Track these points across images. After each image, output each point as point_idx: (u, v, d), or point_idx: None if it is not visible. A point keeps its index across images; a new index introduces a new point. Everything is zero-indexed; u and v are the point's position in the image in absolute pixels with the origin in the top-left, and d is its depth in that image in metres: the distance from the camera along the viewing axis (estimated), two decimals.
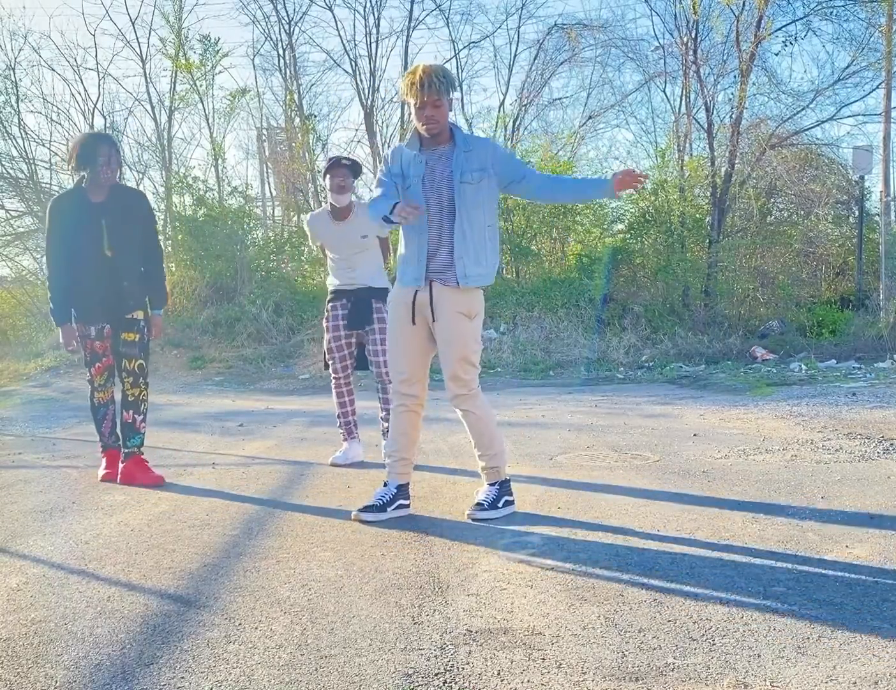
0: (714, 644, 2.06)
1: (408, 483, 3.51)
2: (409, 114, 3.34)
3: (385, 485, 3.49)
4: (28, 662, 2.06)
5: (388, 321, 3.52)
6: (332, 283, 4.83)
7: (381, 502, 3.42)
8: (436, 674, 1.93)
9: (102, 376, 4.40)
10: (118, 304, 4.29)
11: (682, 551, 2.85)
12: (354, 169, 4.78)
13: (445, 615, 2.30)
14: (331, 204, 4.77)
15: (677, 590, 2.46)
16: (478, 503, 3.41)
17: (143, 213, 4.39)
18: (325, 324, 4.84)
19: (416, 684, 1.88)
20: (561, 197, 3.64)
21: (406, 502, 3.49)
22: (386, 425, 4.61)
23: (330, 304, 4.81)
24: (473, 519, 3.34)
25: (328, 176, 4.72)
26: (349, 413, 4.88)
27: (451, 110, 3.31)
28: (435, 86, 3.16)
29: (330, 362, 4.84)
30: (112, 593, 2.57)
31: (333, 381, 4.87)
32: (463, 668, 1.96)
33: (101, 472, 4.43)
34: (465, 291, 3.32)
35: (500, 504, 3.42)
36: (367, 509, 3.40)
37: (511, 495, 3.49)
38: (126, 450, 4.36)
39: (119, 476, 4.35)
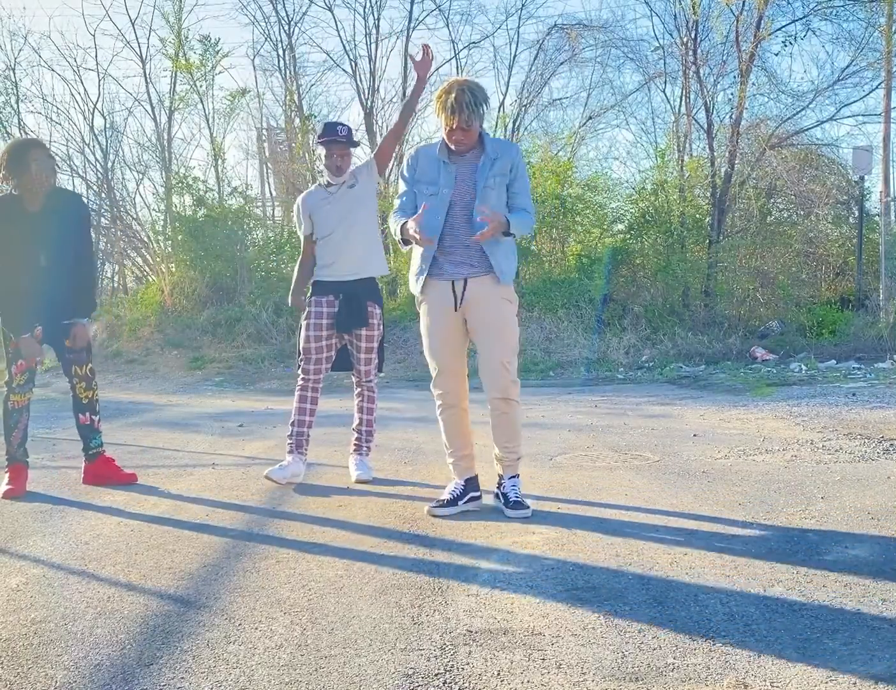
0: (714, 644, 2.06)
1: (476, 475, 3.55)
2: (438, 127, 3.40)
3: (454, 482, 3.53)
4: (28, 662, 2.06)
5: (427, 315, 3.48)
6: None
7: (452, 495, 3.46)
8: (436, 674, 1.93)
9: (24, 375, 4.15)
10: (53, 312, 4.14)
11: (682, 551, 2.85)
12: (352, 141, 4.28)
13: (445, 615, 2.30)
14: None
15: (677, 590, 2.46)
16: (516, 502, 3.40)
17: (80, 217, 4.24)
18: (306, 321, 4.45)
19: (416, 684, 1.88)
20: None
21: (477, 493, 3.52)
22: (357, 436, 4.36)
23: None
24: (517, 517, 3.34)
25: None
26: (305, 424, 4.26)
27: (482, 124, 3.34)
28: (466, 112, 3.20)
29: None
30: (112, 593, 2.57)
31: (302, 382, 4.32)
32: (463, 668, 1.96)
33: (4, 488, 4.07)
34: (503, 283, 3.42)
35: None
36: (439, 504, 3.44)
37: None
38: (91, 452, 4.33)
39: (85, 477, 4.31)
